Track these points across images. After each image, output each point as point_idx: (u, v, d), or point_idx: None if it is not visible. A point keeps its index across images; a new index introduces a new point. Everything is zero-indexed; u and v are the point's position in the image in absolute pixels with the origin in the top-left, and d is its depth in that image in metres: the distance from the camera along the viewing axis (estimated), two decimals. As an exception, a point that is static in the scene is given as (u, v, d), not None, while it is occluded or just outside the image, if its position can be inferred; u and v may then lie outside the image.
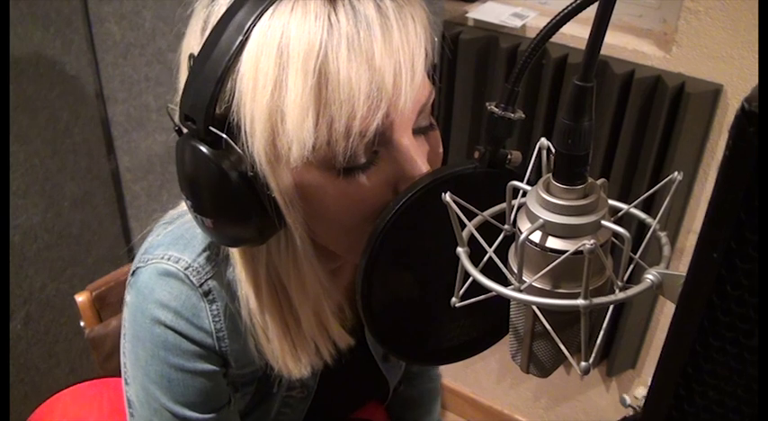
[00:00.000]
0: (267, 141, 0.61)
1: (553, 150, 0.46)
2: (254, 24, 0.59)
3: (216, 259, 0.77)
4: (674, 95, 1.34)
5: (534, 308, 0.48)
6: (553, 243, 0.45)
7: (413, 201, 0.61)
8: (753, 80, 1.32)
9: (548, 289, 0.46)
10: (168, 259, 0.76)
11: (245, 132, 0.61)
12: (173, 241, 0.77)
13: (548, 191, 0.45)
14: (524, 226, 0.46)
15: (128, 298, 0.79)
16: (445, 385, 2.09)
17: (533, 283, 0.46)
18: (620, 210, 0.50)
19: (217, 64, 0.60)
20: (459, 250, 0.49)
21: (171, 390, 0.78)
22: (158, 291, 0.75)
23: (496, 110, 0.56)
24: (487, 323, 0.73)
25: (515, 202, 0.50)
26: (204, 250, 0.77)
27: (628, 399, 0.49)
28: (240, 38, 0.59)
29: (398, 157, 0.64)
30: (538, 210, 0.45)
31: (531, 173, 0.52)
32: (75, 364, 1.55)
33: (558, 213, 0.44)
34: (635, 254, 0.49)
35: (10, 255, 1.32)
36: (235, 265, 0.75)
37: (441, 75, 1.61)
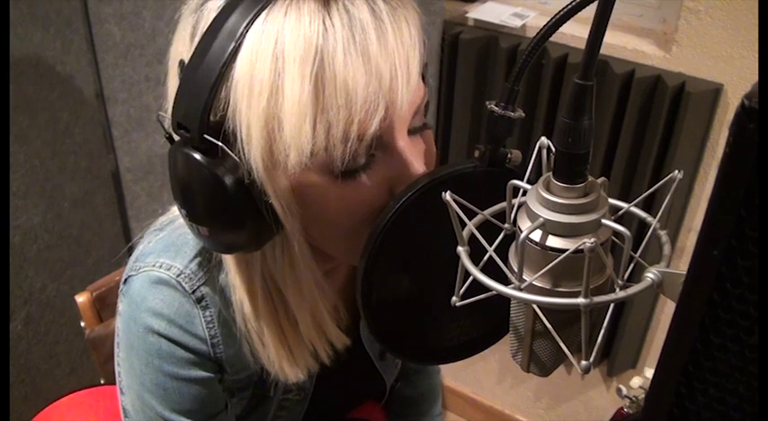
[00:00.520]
0: (264, 148, 0.60)
1: (553, 149, 0.46)
2: (246, 30, 0.59)
3: (208, 265, 0.76)
4: (674, 95, 1.34)
5: (534, 307, 0.48)
6: (553, 242, 0.45)
7: (413, 201, 0.61)
8: (753, 79, 1.31)
9: (548, 288, 0.46)
10: (160, 266, 0.75)
11: (242, 140, 0.60)
12: (164, 248, 0.77)
13: (548, 189, 0.45)
14: (525, 225, 0.46)
15: (120, 307, 0.78)
16: (446, 385, 2.09)
17: (534, 282, 0.46)
18: (620, 208, 0.50)
19: (210, 71, 0.59)
20: (460, 249, 0.49)
21: (166, 399, 0.77)
22: (151, 299, 0.74)
23: (496, 109, 0.56)
24: (487, 322, 0.73)
25: (516, 201, 0.50)
26: (196, 256, 0.76)
27: (624, 390, 0.49)
28: (233, 44, 0.58)
29: (396, 159, 0.64)
30: (538, 209, 0.45)
31: (531, 172, 0.52)
32: (75, 365, 1.55)
33: (559, 212, 0.44)
34: (635, 252, 0.49)
35: (10, 256, 1.32)
36: (228, 271, 0.74)
37: (441, 75, 1.61)
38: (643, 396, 0.69)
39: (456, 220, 0.49)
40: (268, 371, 0.79)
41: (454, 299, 0.51)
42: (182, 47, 0.65)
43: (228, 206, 0.62)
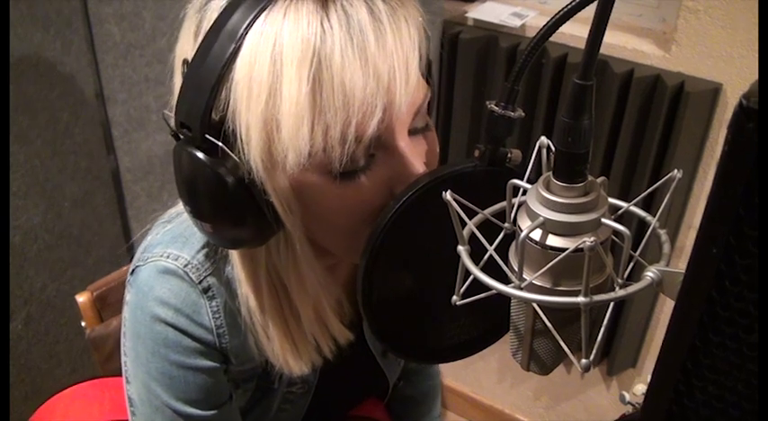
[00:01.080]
0: (263, 149, 0.61)
1: (553, 149, 0.46)
2: (246, 31, 0.59)
3: (215, 256, 0.77)
4: (673, 94, 1.34)
5: (535, 305, 0.48)
6: (553, 241, 0.45)
7: (413, 200, 0.61)
8: (752, 79, 1.31)
9: (548, 286, 0.46)
10: (167, 257, 0.76)
11: (241, 140, 0.61)
12: (172, 239, 0.78)
13: (548, 189, 0.45)
14: (525, 224, 0.46)
15: (128, 296, 0.79)
16: (446, 384, 2.09)
17: (534, 281, 0.46)
18: (620, 208, 0.50)
19: (210, 71, 0.59)
20: (460, 248, 0.49)
21: (172, 388, 0.78)
22: (158, 288, 0.75)
23: (496, 108, 0.56)
24: (488, 322, 0.73)
25: (516, 201, 0.50)
26: (203, 247, 0.77)
27: (627, 396, 0.49)
28: (233, 45, 0.59)
29: (395, 160, 0.64)
30: (538, 208, 0.45)
31: (531, 171, 0.52)
32: (76, 365, 1.55)
33: (559, 211, 0.45)
34: (635, 251, 0.50)
35: (10, 256, 1.32)
36: (234, 265, 0.75)
37: (440, 75, 1.61)
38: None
39: (456, 220, 0.49)
40: (272, 363, 0.80)
41: (454, 298, 0.51)
42: (186, 46, 0.65)
43: (230, 204, 0.63)
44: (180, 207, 0.82)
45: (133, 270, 0.79)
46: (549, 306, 0.47)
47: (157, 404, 0.79)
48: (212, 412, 0.81)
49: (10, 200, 1.29)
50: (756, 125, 0.23)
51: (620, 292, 0.44)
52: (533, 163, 0.51)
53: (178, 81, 0.66)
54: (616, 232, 0.45)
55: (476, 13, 1.57)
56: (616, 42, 1.42)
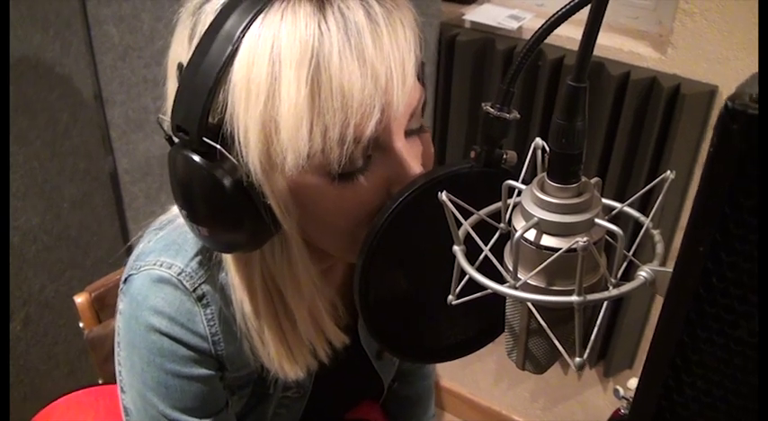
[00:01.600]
0: (262, 151, 0.61)
1: (548, 150, 0.47)
2: (243, 33, 0.59)
3: (208, 264, 0.77)
4: (669, 97, 1.35)
5: (529, 305, 0.49)
6: (547, 241, 0.46)
7: (409, 201, 0.61)
8: (748, 81, 1.32)
9: (542, 286, 0.47)
10: (161, 265, 0.76)
11: (240, 142, 0.61)
12: (164, 247, 0.77)
13: (542, 189, 0.46)
14: (519, 224, 0.47)
15: (121, 306, 0.78)
16: (443, 386, 2.10)
17: (528, 281, 0.47)
18: (614, 209, 0.51)
19: (208, 74, 0.59)
20: (456, 248, 0.50)
21: (168, 397, 0.78)
22: (152, 297, 0.75)
23: (492, 110, 0.57)
24: (484, 322, 0.73)
25: (511, 201, 0.50)
26: (196, 255, 0.77)
27: (621, 391, 0.49)
28: (230, 47, 0.59)
29: (392, 161, 0.65)
30: (532, 209, 0.46)
31: (526, 172, 0.52)
32: (74, 366, 1.55)
33: (553, 211, 0.45)
34: (629, 252, 0.50)
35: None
36: (228, 271, 0.75)
37: (438, 77, 1.62)
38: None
39: (452, 220, 0.50)
40: (268, 368, 0.80)
41: (450, 297, 0.52)
42: (180, 49, 0.65)
43: (227, 207, 0.63)
44: (171, 214, 0.81)
45: (126, 278, 0.78)
46: (544, 305, 0.48)
47: (153, 413, 0.79)
48: (209, 420, 0.81)
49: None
50: (741, 127, 0.24)
51: (613, 291, 0.45)
52: (528, 164, 0.52)
53: (172, 85, 0.66)
54: (611, 233, 0.46)
55: (473, 15, 1.58)
56: (612, 44, 1.43)
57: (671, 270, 0.43)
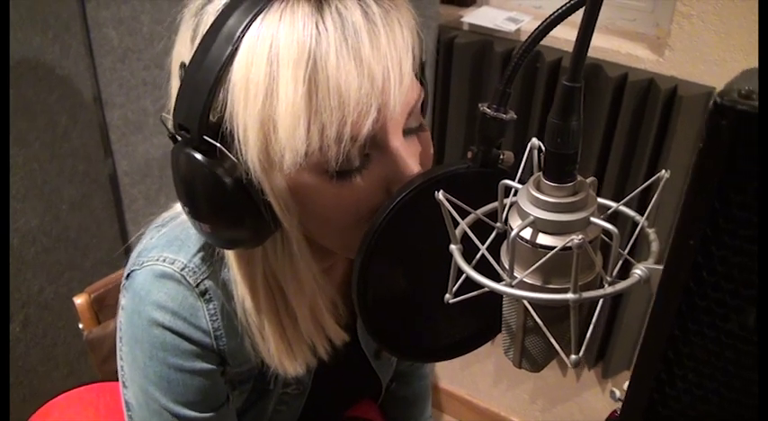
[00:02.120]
0: (260, 149, 0.62)
1: (544, 149, 0.47)
2: (243, 34, 0.60)
3: (211, 259, 0.77)
4: (666, 98, 1.36)
5: (525, 303, 0.49)
6: (543, 239, 0.46)
7: (407, 201, 0.62)
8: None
9: (539, 284, 0.47)
10: (164, 261, 0.76)
11: (239, 141, 0.62)
12: (167, 243, 0.78)
13: (538, 188, 0.46)
14: (516, 223, 0.47)
15: (123, 301, 0.79)
16: (442, 387, 2.10)
17: (525, 279, 0.47)
18: (610, 208, 0.51)
19: (208, 74, 0.61)
20: (453, 247, 0.50)
21: (170, 391, 0.78)
22: (155, 292, 0.76)
23: (488, 110, 0.58)
24: (481, 321, 0.74)
25: (507, 201, 0.51)
26: (199, 251, 0.77)
27: (617, 393, 0.50)
28: (230, 47, 0.60)
29: (390, 159, 0.65)
30: (528, 208, 0.46)
31: (523, 172, 0.53)
32: (73, 367, 1.55)
33: (549, 210, 0.46)
34: (625, 250, 0.51)
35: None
36: (231, 267, 0.76)
37: (436, 79, 1.62)
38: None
39: (449, 219, 0.50)
40: (268, 364, 0.80)
41: (447, 296, 0.52)
42: (183, 49, 0.66)
43: (228, 204, 0.64)
44: (174, 211, 0.82)
45: (128, 274, 0.79)
46: (540, 303, 0.48)
47: (155, 407, 0.79)
48: (210, 414, 0.81)
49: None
50: (730, 123, 0.24)
51: (608, 289, 0.45)
52: (525, 164, 0.52)
53: (175, 84, 0.67)
54: (607, 232, 0.46)
55: (471, 17, 1.58)
56: (610, 46, 1.43)
57: (665, 268, 0.44)
